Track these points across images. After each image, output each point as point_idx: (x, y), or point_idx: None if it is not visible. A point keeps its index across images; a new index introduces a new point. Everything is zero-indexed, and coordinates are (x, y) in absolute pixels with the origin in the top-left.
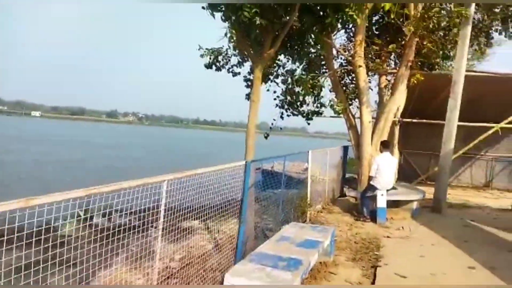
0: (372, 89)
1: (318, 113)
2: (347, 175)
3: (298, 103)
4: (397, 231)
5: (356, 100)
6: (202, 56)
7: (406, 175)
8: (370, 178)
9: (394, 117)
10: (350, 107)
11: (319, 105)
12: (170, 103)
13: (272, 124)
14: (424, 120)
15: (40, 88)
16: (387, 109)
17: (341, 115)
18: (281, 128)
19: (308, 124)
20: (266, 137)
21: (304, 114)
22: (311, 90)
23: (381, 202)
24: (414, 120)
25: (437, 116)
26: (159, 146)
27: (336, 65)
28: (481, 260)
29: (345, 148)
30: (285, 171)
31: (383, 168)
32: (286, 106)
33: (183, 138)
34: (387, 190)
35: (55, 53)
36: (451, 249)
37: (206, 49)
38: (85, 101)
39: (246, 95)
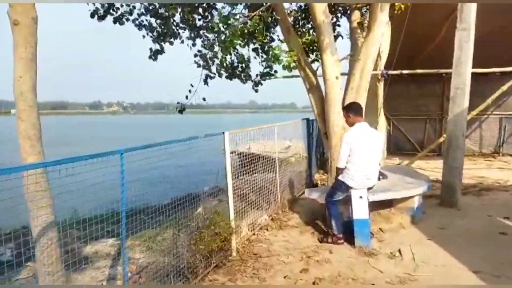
0: (342, 37)
1: (268, 74)
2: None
3: (240, 65)
4: (392, 260)
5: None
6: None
7: (397, 147)
8: (338, 170)
9: (375, 69)
10: (314, 64)
11: (270, 63)
12: (154, 90)
13: (190, 91)
14: (420, 71)
15: None
16: (363, 55)
17: (298, 73)
18: (202, 103)
19: (256, 91)
20: (180, 112)
21: (245, 78)
22: (241, 37)
23: (360, 211)
24: (405, 72)
25: (433, 66)
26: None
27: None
28: None
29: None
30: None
31: (358, 153)
32: (214, 65)
33: (158, 125)
34: (369, 188)
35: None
36: None
37: None
38: (67, 94)
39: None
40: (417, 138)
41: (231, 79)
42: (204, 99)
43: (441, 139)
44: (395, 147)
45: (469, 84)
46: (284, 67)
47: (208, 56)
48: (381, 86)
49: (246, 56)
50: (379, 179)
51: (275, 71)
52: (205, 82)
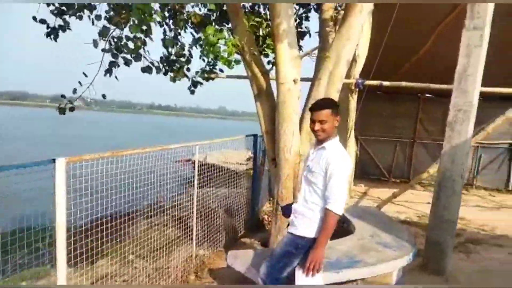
0: (310, 34)
1: (211, 72)
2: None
3: (178, 58)
4: None
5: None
6: None
7: (364, 171)
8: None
9: (349, 77)
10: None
11: (211, 59)
12: (123, 87)
13: (80, 83)
14: (405, 83)
15: None
16: (334, 52)
17: (245, 70)
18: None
19: (192, 93)
20: (62, 112)
21: (177, 74)
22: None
23: None
24: (386, 83)
25: (422, 79)
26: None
27: None
28: None
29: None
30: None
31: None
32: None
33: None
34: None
35: None
36: None
37: None
38: (29, 85)
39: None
40: (385, 163)
41: (149, 73)
42: (103, 96)
43: (425, 175)
44: (361, 171)
45: (475, 106)
46: (222, 60)
47: (113, 35)
48: (354, 99)
49: (180, 46)
50: (341, 226)
51: (221, 70)
52: (108, 72)
